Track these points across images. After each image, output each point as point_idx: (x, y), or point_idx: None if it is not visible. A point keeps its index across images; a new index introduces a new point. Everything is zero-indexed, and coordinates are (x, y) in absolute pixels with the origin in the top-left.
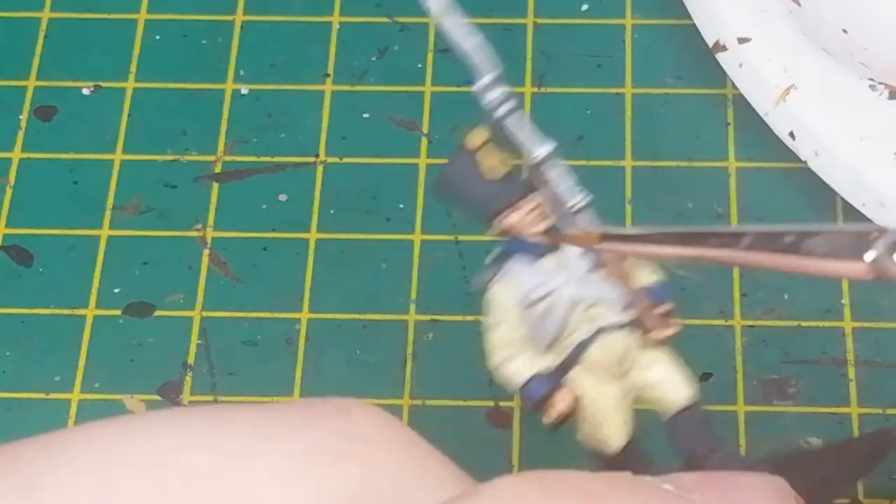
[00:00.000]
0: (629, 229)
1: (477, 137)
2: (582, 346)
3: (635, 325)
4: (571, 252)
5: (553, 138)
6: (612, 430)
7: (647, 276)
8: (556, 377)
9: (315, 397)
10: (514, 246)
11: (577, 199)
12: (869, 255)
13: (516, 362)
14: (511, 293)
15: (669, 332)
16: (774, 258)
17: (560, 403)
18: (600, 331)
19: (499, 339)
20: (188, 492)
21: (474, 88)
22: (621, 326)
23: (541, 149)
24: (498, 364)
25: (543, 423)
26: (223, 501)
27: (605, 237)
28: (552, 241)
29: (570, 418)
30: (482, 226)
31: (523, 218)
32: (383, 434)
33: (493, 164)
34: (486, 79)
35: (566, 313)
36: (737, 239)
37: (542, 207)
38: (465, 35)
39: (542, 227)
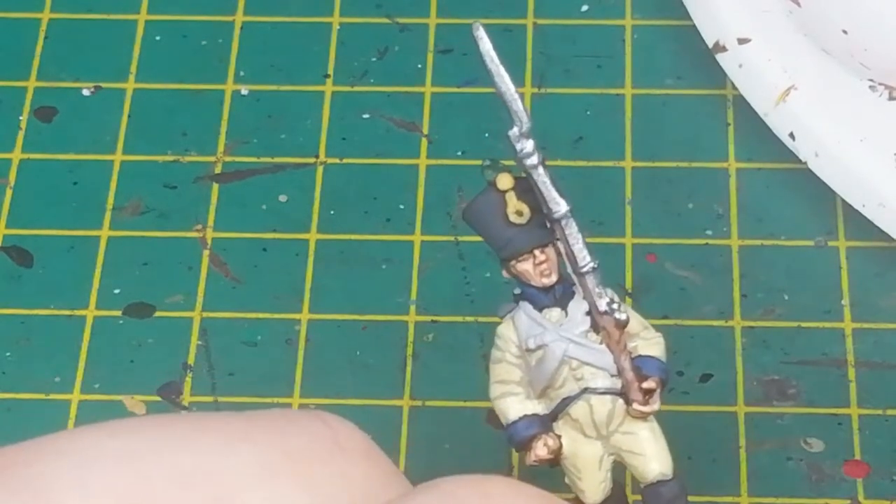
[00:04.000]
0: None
1: (507, 180)
2: (566, 402)
3: (620, 393)
4: (576, 311)
5: (553, 138)
6: (588, 486)
7: (644, 349)
8: (544, 422)
9: (290, 409)
10: (526, 291)
11: (586, 261)
12: None
13: (510, 400)
14: (513, 335)
15: (648, 409)
16: None
17: (540, 449)
18: (586, 391)
19: (498, 374)
20: (169, 489)
21: (510, 134)
22: (607, 392)
23: (560, 206)
24: (495, 397)
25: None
26: (205, 496)
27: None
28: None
29: (551, 464)
30: (499, 264)
31: (534, 268)
32: (358, 444)
33: (518, 208)
34: (524, 127)
35: (557, 367)
36: None
37: (551, 262)
38: (506, 80)
39: (550, 280)
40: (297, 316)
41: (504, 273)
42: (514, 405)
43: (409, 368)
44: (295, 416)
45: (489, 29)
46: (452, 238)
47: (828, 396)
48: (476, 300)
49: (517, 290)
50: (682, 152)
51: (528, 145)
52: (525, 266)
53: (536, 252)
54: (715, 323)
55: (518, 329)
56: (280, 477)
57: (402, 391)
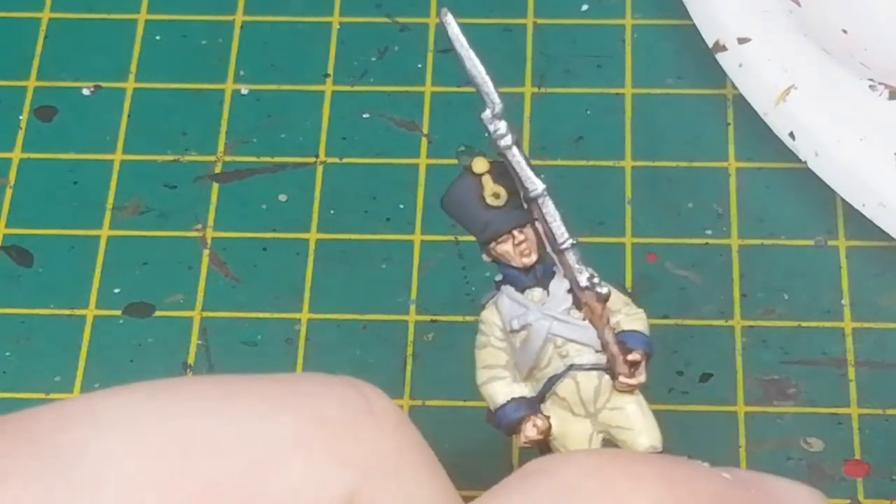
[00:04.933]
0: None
1: (482, 163)
2: (553, 381)
3: (606, 368)
4: (558, 289)
5: (553, 138)
6: None
7: (627, 324)
8: (532, 404)
9: (324, 373)
10: (507, 273)
11: (565, 237)
12: None
13: (497, 384)
14: (497, 319)
15: (634, 381)
16: None
17: (530, 430)
18: (572, 368)
19: (484, 360)
20: (204, 455)
21: (483, 116)
22: (593, 368)
23: (536, 185)
24: (482, 383)
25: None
26: (240, 463)
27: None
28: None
29: (541, 445)
30: (479, 248)
31: (514, 248)
32: (391, 414)
33: (495, 191)
34: (496, 109)
35: (542, 347)
36: None
37: (530, 241)
38: (476, 64)
39: (530, 260)
40: (297, 316)
41: (484, 257)
42: (502, 389)
43: (409, 368)
44: (329, 382)
45: (489, 29)
46: (452, 238)
47: (828, 396)
48: (476, 300)
49: (498, 277)
50: (682, 152)
51: (502, 126)
52: (505, 247)
53: (515, 232)
54: (715, 323)
55: (501, 312)
56: (315, 448)
57: (402, 391)
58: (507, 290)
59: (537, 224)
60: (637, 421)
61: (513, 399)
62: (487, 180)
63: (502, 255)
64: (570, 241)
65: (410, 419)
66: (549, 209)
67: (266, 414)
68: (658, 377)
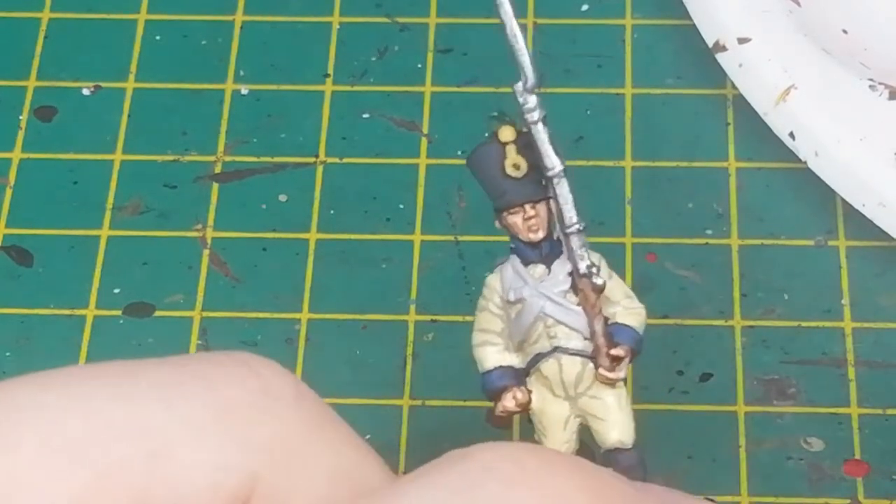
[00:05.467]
0: None
1: (509, 132)
2: (537, 358)
3: (590, 357)
4: (559, 270)
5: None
6: (552, 445)
7: (622, 317)
8: (518, 375)
9: (216, 352)
10: (516, 244)
11: (573, 221)
12: None
13: (488, 349)
14: (498, 286)
15: (613, 375)
16: None
17: (508, 401)
18: (557, 349)
19: (480, 322)
20: (103, 441)
21: (515, 87)
22: (577, 353)
23: (555, 164)
24: (475, 345)
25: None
26: (132, 451)
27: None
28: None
29: (520, 414)
30: (493, 214)
31: (523, 222)
32: (288, 391)
33: (516, 162)
34: (529, 82)
35: (532, 323)
36: None
37: (540, 218)
38: (517, 34)
39: (536, 236)
40: (297, 316)
41: (497, 223)
42: (492, 355)
43: (409, 368)
44: (220, 363)
45: (489, 29)
46: (452, 238)
47: (828, 396)
48: (476, 300)
49: (512, 245)
50: (682, 152)
51: (532, 100)
52: (515, 219)
53: (527, 207)
54: (715, 323)
55: (503, 280)
56: (210, 433)
57: (402, 391)
58: (514, 260)
59: (552, 202)
60: (612, 414)
61: (500, 367)
62: (511, 150)
63: (511, 226)
64: (577, 225)
65: (309, 388)
66: (564, 190)
67: (164, 400)
68: (658, 377)
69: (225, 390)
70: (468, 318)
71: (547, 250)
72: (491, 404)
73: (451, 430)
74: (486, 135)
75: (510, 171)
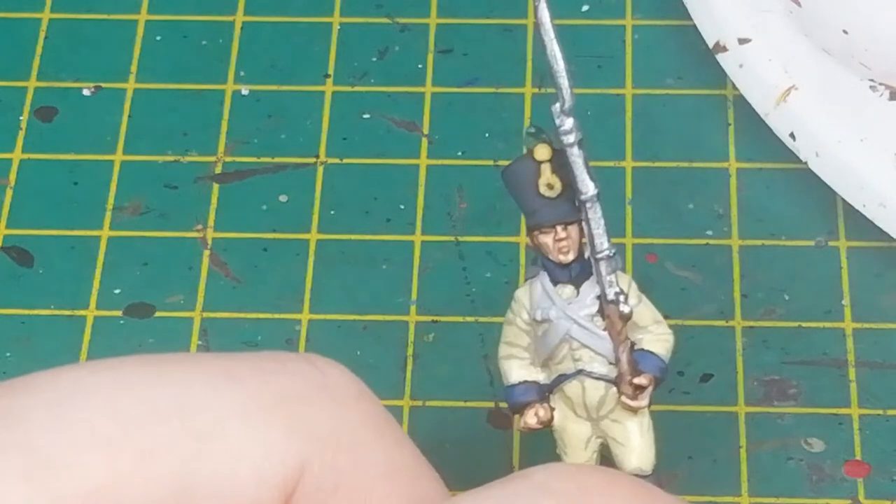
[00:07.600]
0: None
1: (545, 151)
2: (561, 378)
3: (614, 382)
4: (588, 292)
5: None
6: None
7: (649, 343)
8: (541, 392)
9: (284, 351)
10: (545, 263)
11: (603, 247)
12: None
13: (514, 363)
14: (527, 301)
15: (635, 404)
16: None
17: (531, 418)
18: (581, 372)
19: (507, 336)
20: (146, 423)
21: (553, 108)
22: (601, 378)
23: (588, 188)
24: (501, 357)
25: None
26: (181, 431)
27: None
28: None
29: (541, 430)
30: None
31: (554, 243)
32: (349, 387)
33: (551, 181)
34: (566, 105)
35: (558, 345)
36: None
37: (572, 240)
38: (557, 56)
39: (566, 258)
40: (297, 316)
41: (528, 241)
42: (517, 369)
43: (409, 368)
44: (283, 358)
45: (489, 29)
46: (452, 238)
47: (828, 396)
48: (476, 300)
49: (542, 261)
50: (682, 152)
51: (568, 123)
52: (546, 239)
53: (559, 228)
54: (715, 323)
55: (532, 297)
56: (264, 416)
57: (402, 391)
58: (543, 276)
59: (584, 225)
60: (633, 439)
61: (525, 381)
62: (546, 169)
63: (541, 246)
64: (608, 252)
65: (373, 393)
66: (596, 215)
67: (213, 385)
68: None
69: (282, 381)
70: (469, 319)
71: (577, 271)
72: (490, 404)
73: (451, 430)
74: (524, 149)
75: (544, 190)
